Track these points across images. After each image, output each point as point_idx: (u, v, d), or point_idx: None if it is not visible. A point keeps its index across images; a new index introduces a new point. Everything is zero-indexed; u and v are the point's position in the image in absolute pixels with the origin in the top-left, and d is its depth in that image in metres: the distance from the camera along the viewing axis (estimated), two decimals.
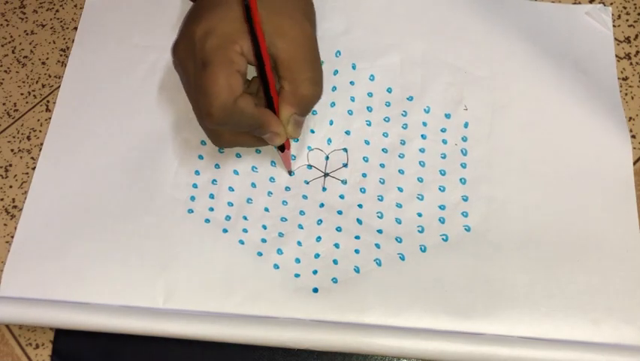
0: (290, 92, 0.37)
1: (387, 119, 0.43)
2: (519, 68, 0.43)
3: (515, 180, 0.40)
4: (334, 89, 0.44)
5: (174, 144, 0.43)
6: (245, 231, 0.40)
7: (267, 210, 0.41)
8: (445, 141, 0.42)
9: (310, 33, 0.38)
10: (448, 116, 0.42)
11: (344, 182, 0.41)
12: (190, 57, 0.37)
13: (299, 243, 0.39)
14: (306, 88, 0.37)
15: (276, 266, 0.39)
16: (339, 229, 0.40)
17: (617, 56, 0.44)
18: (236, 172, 0.42)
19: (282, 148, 0.40)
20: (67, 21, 0.50)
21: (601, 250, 0.38)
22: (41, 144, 0.44)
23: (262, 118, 0.37)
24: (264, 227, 0.40)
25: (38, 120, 0.46)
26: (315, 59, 0.38)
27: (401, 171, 0.41)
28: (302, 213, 0.40)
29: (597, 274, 0.37)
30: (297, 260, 0.39)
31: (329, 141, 0.42)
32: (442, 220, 0.39)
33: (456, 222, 0.39)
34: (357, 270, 0.38)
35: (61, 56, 0.48)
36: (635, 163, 0.41)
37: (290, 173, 0.42)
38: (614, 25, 0.45)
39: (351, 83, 0.44)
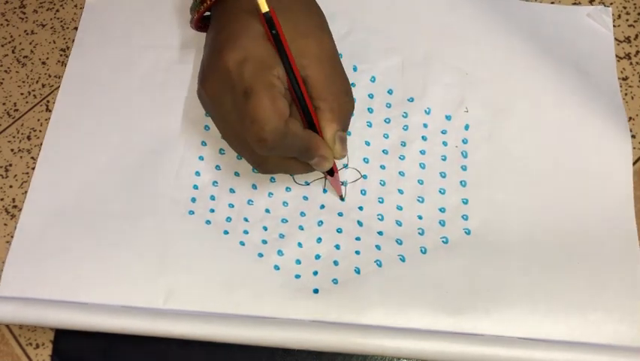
0: (327, 109, 0.37)
1: (387, 120, 0.43)
2: (520, 69, 0.43)
3: (516, 182, 0.40)
4: None
5: (175, 144, 0.43)
6: (245, 232, 0.40)
7: (267, 211, 0.41)
8: (445, 143, 0.42)
9: (332, 47, 0.37)
10: (448, 117, 0.42)
11: (344, 183, 0.41)
12: (226, 89, 0.36)
13: (299, 244, 0.39)
14: (343, 101, 0.37)
15: (277, 267, 0.39)
16: (339, 230, 0.40)
17: (617, 55, 0.44)
18: (237, 174, 0.42)
19: (331, 173, 0.39)
20: (67, 21, 0.50)
21: (600, 251, 0.38)
22: (41, 144, 0.44)
23: (311, 140, 0.36)
24: (265, 228, 0.40)
25: (38, 120, 0.46)
26: (342, 70, 0.38)
27: (401, 173, 0.41)
28: (302, 214, 0.40)
29: (596, 275, 0.37)
30: (298, 261, 0.39)
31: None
32: (442, 223, 0.39)
33: (456, 226, 0.39)
34: (357, 271, 0.38)
35: (61, 56, 0.48)
36: (634, 163, 0.41)
37: (341, 199, 0.41)
38: (613, 26, 0.45)
39: (352, 84, 0.43)
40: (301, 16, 0.37)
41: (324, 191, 0.41)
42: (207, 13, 0.40)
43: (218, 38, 0.37)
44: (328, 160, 0.37)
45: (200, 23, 0.41)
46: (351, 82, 0.43)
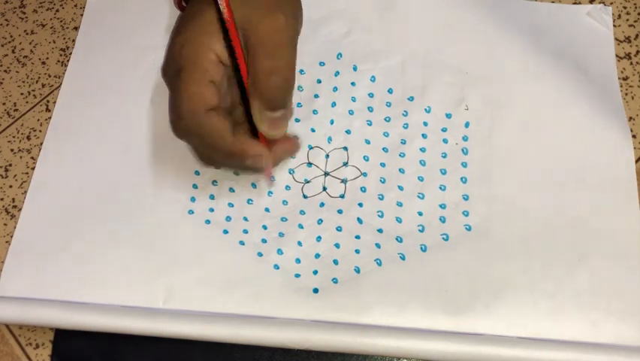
0: (251, 83, 0.36)
1: (387, 119, 0.43)
2: (520, 67, 0.43)
3: (516, 179, 0.40)
4: (335, 89, 0.44)
5: (174, 144, 0.43)
6: (245, 232, 0.40)
7: (267, 210, 0.41)
8: (445, 141, 0.42)
9: (280, 21, 0.35)
10: (448, 115, 0.42)
11: (344, 181, 0.41)
12: (172, 72, 0.36)
13: (299, 243, 0.39)
14: (265, 78, 0.35)
15: (277, 266, 0.39)
16: (339, 229, 0.40)
17: (617, 55, 0.44)
18: (236, 173, 0.42)
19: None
20: (67, 21, 0.50)
21: (602, 250, 0.38)
22: (41, 144, 0.44)
23: (236, 145, 0.36)
24: (265, 227, 0.40)
25: (38, 120, 0.46)
26: (279, 47, 0.36)
27: (401, 170, 0.41)
28: (302, 212, 0.40)
29: (597, 274, 0.37)
30: (298, 260, 0.39)
31: (329, 139, 0.42)
32: (442, 219, 0.39)
33: (456, 222, 0.39)
34: (357, 270, 0.38)
35: (61, 55, 0.48)
36: (636, 162, 0.41)
37: (271, 178, 0.41)
38: (614, 25, 0.45)
39: (352, 84, 0.44)
40: None
41: (324, 188, 0.41)
42: None
43: (176, 25, 0.38)
44: (262, 156, 0.37)
45: (184, 4, 0.41)
46: (351, 81, 0.44)
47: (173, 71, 0.35)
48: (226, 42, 0.35)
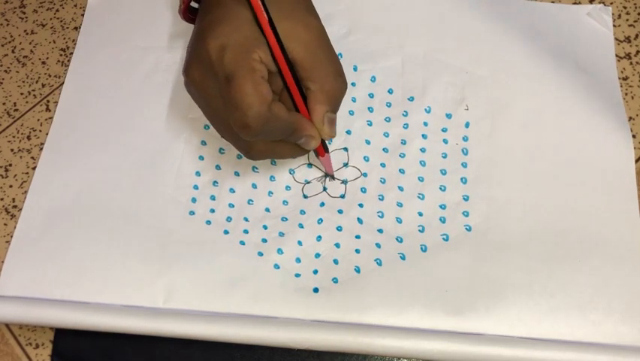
0: (317, 90, 0.37)
1: (387, 119, 0.43)
2: (520, 67, 0.43)
3: (516, 179, 0.40)
4: None
5: (175, 144, 0.43)
6: (245, 232, 0.40)
7: (267, 210, 0.41)
8: (445, 141, 0.42)
9: (320, 28, 0.37)
10: (449, 116, 0.42)
11: (344, 181, 0.41)
12: (208, 76, 0.36)
13: (299, 242, 0.39)
14: (332, 82, 0.37)
15: (277, 266, 0.39)
16: (339, 229, 0.40)
17: (617, 55, 0.44)
18: (237, 173, 0.42)
19: (324, 151, 0.40)
20: (67, 21, 0.50)
21: (602, 250, 0.38)
22: (41, 144, 0.44)
23: (296, 122, 0.37)
24: (265, 227, 0.40)
25: (38, 120, 0.46)
26: (332, 52, 0.38)
27: (402, 171, 0.41)
28: (302, 212, 0.40)
29: (598, 274, 0.37)
30: (298, 260, 0.39)
31: (330, 140, 0.42)
32: (442, 220, 0.39)
33: (456, 222, 0.39)
34: (357, 270, 0.38)
35: (61, 55, 0.48)
36: (636, 162, 0.41)
37: (332, 177, 0.41)
38: (614, 25, 0.45)
39: (353, 84, 0.44)
40: None
41: (324, 188, 0.41)
42: (196, 6, 0.41)
43: (202, 25, 0.37)
44: (315, 139, 0.38)
45: (190, 14, 0.42)
46: (351, 82, 0.44)
47: (221, 79, 0.35)
48: (270, 51, 0.35)
